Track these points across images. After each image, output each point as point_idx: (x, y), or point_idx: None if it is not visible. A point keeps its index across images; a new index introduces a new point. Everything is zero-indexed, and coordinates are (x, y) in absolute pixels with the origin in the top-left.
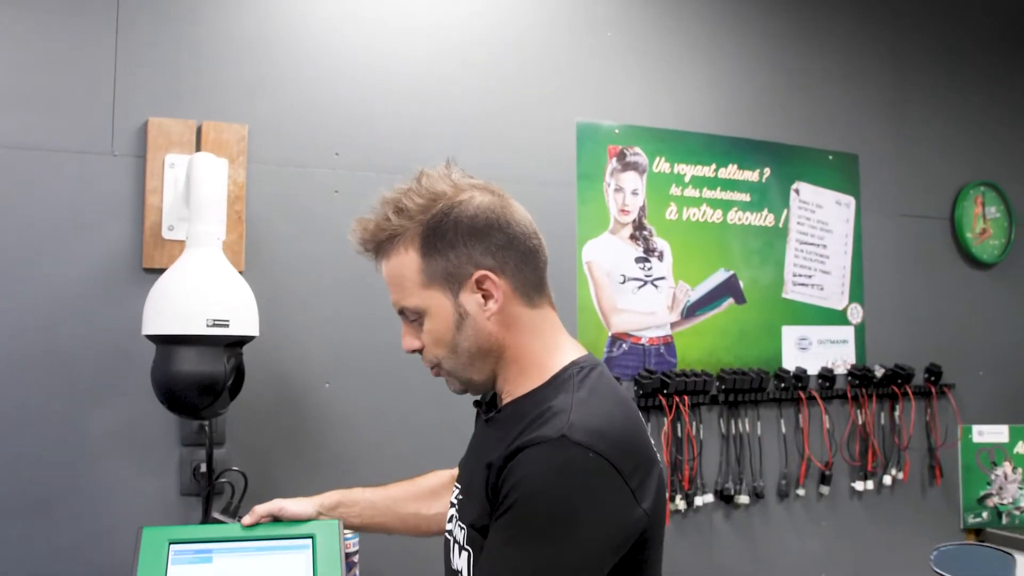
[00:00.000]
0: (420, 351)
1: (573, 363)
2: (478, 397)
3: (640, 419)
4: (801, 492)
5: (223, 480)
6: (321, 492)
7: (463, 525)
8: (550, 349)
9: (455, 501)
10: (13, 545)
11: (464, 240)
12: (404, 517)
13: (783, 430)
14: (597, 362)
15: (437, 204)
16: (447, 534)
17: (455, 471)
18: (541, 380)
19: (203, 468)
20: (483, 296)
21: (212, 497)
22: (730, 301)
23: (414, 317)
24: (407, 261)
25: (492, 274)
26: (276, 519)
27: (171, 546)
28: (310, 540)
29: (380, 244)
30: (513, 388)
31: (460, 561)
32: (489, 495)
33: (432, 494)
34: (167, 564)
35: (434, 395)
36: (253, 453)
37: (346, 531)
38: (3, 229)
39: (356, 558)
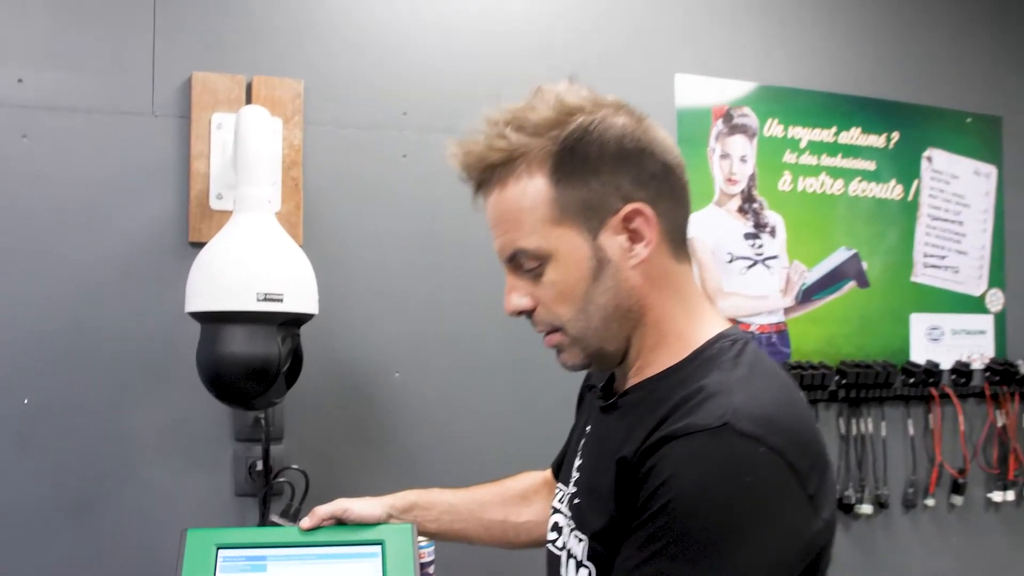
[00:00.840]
0: (531, 312)
1: (721, 335)
2: (590, 379)
3: (809, 407)
4: (930, 502)
5: (281, 479)
6: (391, 493)
7: (581, 535)
8: (694, 316)
9: (564, 508)
10: (51, 548)
11: (611, 165)
12: (489, 524)
13: (911, 432)
14: (748, 335)
15: (574, 119)
16: (552, 546)
17: (547, 473)
18: (684, 354)
19: (259, 466)
20: (629, 238)
21: (270, 498)
22: (851, 284)
23: (532, 265)
24: (531, 190)
25: (646, 209)
26: (340, 522)
27: (219, 551)
28: (379, 547)
29: (492, 168)
30: (647, 363)
31: None
32: (621, 498)
33: (522, 499)
34: (215, 572)
35: (520, 385)
36: (314, 450)
37: (420, 538)
38: (32, 202)
39: (431, 569)
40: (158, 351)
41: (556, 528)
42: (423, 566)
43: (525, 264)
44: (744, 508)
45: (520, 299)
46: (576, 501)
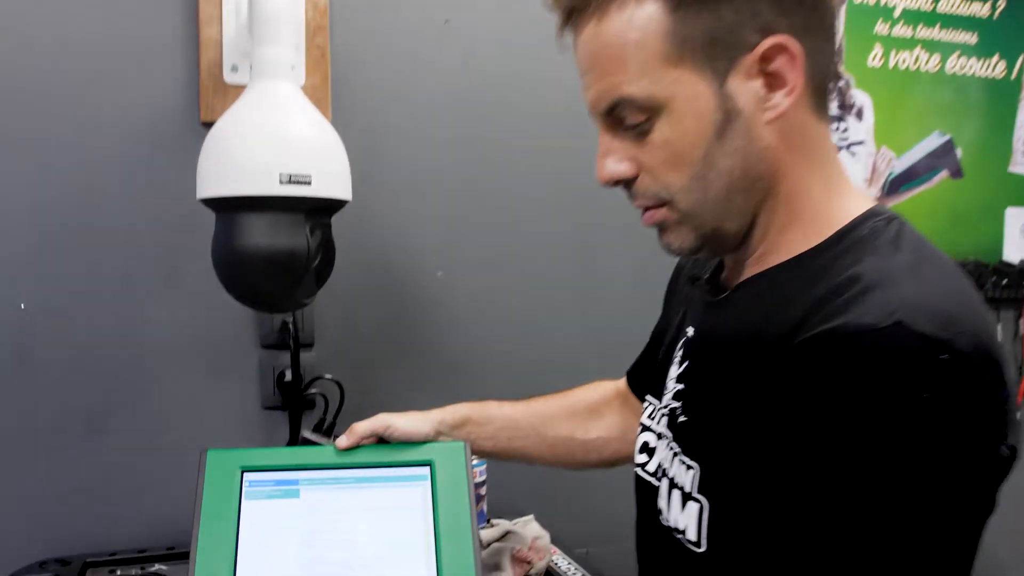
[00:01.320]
0: (630, 182)
1: (872, 212)
2: (689, 268)
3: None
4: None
5: (314, 391)
6: (436, 407)
7: (690, 462)
8: (836, 189)
9: (660, 426)
10: (59, 468)
11: None
12: (553, 441)
13: (999, 337)
14: (899, 215)
15: None
16: (643, 472)
17: (620, 384)
18: (824, 235)
19: (288, 376)
20: (766, 84)
21: (302, 412)
22: (944, 174)
23: (637, 120)
24: (641, 18)
25: (791, 44)
26: (382, 441)
27: (244, 475)
28: (427, 468)
29: None
30: (775, 247)
31: (686, 516)
32: (748, 417)
33: (591, 412)
34: (240, 498)
35: (587, 280)
36: (349, 358)
37: (473, 458)
38: (21, 77)
39: (483, 490)
40: (169, 247)
41: (647, 450)
42: (475, 487)
43: (628, 118)
44: (928, 429)
45: (618, 164)
46: (681, 419)
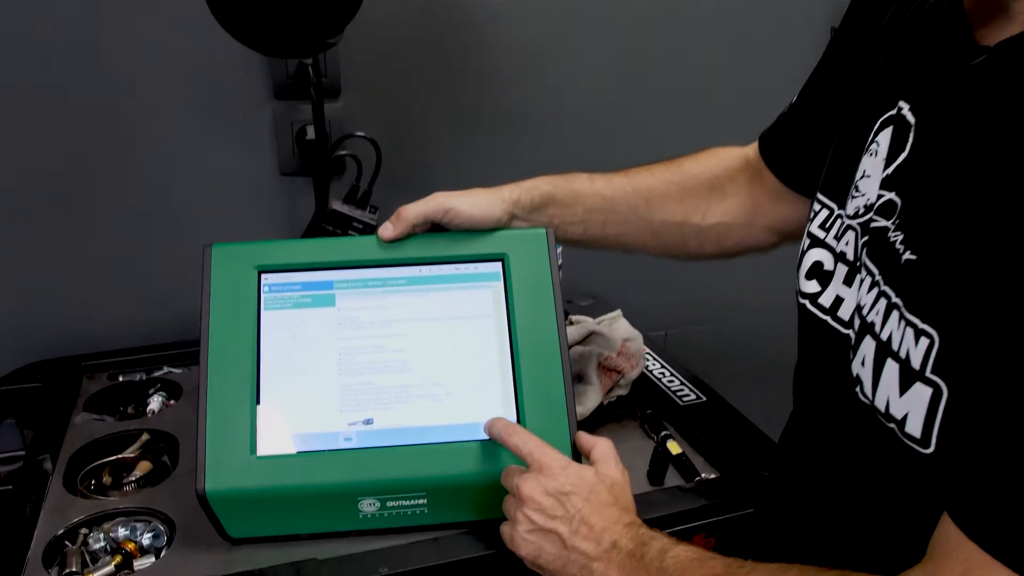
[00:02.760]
0: None
1: None
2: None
3: None
4: None
5: (343, 152)
6: (506, 182)
7: (925, 326)
8: None
9: (846, 248)
10: (35, 244)
11: None
12: (660, 227)
13: None
14: None
15: None
16: (820, 311)
17: (749, 150)
18: None
19: (310, 133)
20: None
21: (330, 179)
22: None
23: None
24: None
25: None
26: (439, 228)
27: (262, 277)
28: (500, 264)
29: None
30: None
31: (908, 401)
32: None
33: (711, 190)
34: (258, 307)
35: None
36: (386, 110)
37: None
38: None
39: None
40: None
41: (819, 274)
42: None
43: None
44: None
45: None
46: (906, 256)
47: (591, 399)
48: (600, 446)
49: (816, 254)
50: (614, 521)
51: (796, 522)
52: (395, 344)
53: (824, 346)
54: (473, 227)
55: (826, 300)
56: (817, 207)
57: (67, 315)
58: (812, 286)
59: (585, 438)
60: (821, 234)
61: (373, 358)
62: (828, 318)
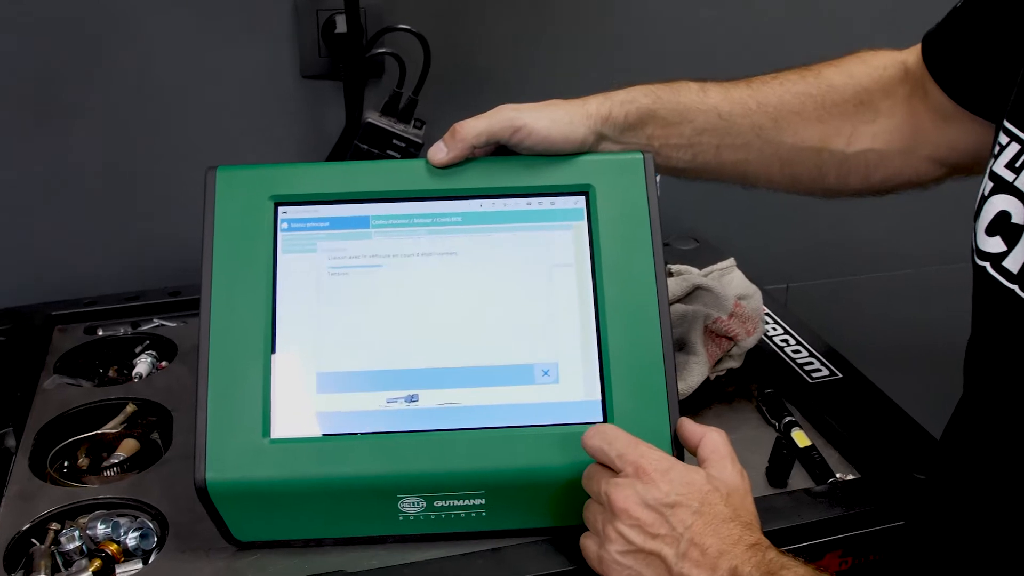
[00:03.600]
0: None
1: None
2: None
3: None
4: None
5: (381, 50)
6: (591, 93)
7: None
8: None
9: None
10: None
11: None
12: (791, 154)
13: None
14: None
15: None
16: (1004, 278)
17: (909, 57)
18: None
19: (340, 25)
20: None
21: (364, 84)
22: None
23: None
24: None
25: None
26: (503, 151)
27: (279, 210)
28: (583, 199)
29: None
30: None
31: None
32: None
33: (860, 107)
34: (274, 249)
35: None
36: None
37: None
38: None
39: None
40: None
41: (1006, 229)
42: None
43: None
44: None
45: None
46: None
47: (695, 373)
48: (711, 439)
49: (1001, 202)
50: (733, 542)
51: (960, 540)
52: (446, 301)
53: (1008, 320)
54: (549, 150)
55: (1013, 263)
56: (1004, 139)
57: (32, 252)
58: (995, 244)
59: (690, 428)
60: (1010, 176)
61: (419, 319)
62: (1016, 287)
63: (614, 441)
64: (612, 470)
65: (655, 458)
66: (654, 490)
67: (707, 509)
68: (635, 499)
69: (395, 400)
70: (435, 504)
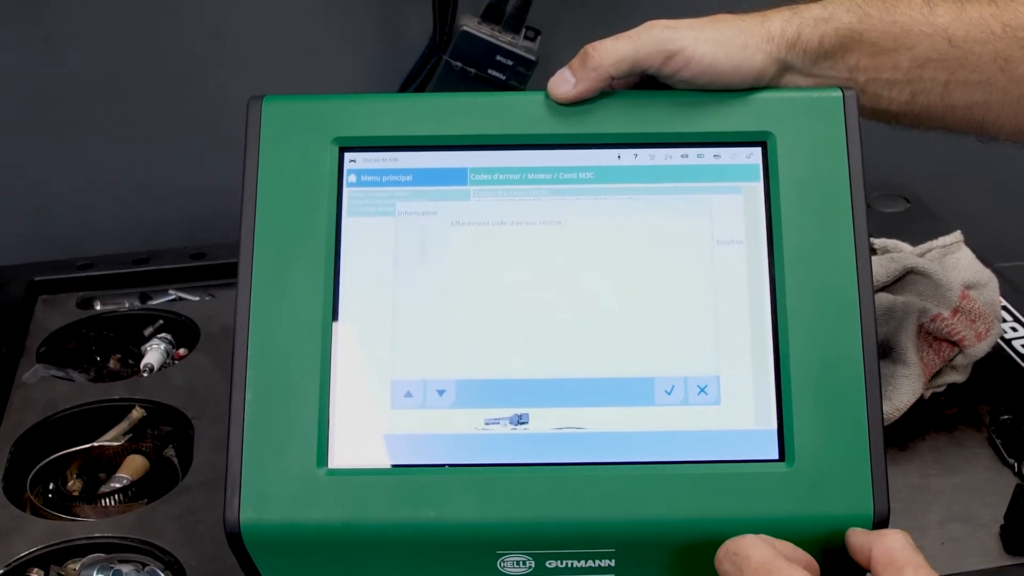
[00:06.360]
0: None
1: None
2: None
3: None
4: None
5: None
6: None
7: None
8: None
9: None
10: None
11: None
12: None
13: None
14: None
15: None
16: None
17: None
18: None
19: None
20: None
21: None
22: None
23: None
24: None
25: None
26: (652, 83)
27: (344, 156)
28: (759, 152)
29: None
30: None
31: None
32: None
33: None
34: (338, 208)
35: None
36: None
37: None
38: None
39: None
40: None
41: None
42: None
43: None
44: None
45: None
46: None
47: (905, 390)
48: (882, 547)
49: None
50: None
51: None
52: (569, 289)
53: None
54: (714, 84)
55: None
56: None
57: (16, 200)
58: None
59: (856, 538)
60: None
61: (532, 309)
62: None
63: (744, 567)
64: None
65: None
66: None
67: None
68: None
69: (496, 421)
70: (547, 564)
